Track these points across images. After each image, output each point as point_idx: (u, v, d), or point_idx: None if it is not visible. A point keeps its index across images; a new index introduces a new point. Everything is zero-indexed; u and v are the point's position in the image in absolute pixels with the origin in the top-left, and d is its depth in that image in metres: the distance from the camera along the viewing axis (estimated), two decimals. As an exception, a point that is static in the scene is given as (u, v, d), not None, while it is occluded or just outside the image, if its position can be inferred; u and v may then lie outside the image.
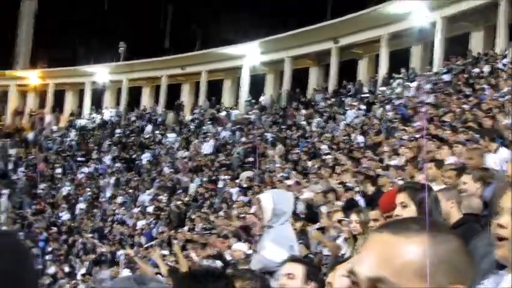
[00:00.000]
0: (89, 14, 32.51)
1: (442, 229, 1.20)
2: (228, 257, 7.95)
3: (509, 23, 21.77)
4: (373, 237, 1.20)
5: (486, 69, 18.97)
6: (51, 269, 18.99)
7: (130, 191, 21.91)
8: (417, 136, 13.00)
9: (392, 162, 11.22)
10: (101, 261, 17.35)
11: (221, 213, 15.97)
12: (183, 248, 12.19)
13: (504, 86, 14.83)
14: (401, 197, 3.19)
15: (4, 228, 21.63)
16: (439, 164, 6.98)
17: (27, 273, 1.38)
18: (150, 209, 19.53)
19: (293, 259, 3.99)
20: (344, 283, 1.67)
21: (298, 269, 3.91)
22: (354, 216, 5.08)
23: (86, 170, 25.82)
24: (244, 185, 18.07)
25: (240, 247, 6.97)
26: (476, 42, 22.86)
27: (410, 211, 3.10)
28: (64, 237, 21.02)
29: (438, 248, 1.11)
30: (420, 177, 7.95)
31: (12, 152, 29.49)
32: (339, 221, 6.43)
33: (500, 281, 2.13)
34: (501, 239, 2.02)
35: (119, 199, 21.86)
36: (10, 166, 28.03)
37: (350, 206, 7.87)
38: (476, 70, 19.14)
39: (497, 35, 21.45)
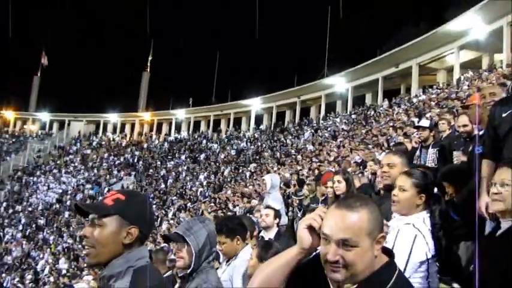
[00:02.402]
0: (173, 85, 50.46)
1: (370, 201, 1.73)
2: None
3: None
4: (335, 211, 1.66)
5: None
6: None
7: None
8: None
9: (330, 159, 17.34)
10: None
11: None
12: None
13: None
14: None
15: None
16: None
17: None
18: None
19: (267, 207, 6.06)
20: (305, 233, 1.71)
21: (271, 212, 5.99)
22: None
23: (172, 162, 39.56)
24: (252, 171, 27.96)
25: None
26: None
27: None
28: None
29: (372, 215, 1.64)
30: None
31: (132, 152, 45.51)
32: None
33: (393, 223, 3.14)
34: (394, 201, 3.03)
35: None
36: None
37: (302, 182, 11.39)
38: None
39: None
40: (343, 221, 1.63)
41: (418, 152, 7.13)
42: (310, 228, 1.76)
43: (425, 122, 7.63)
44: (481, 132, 5.23)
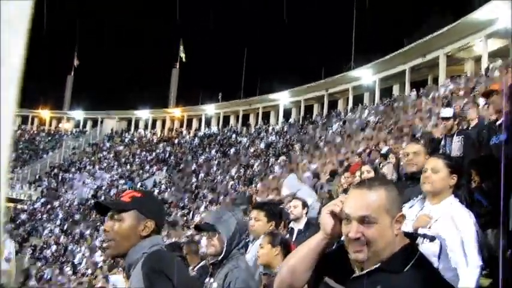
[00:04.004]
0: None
1: (389, 182, 1.86)
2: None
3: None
4: (355, 191, 1.73)
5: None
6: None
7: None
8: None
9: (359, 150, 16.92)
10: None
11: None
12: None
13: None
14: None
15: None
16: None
17: None
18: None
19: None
20: (328, 218, 1.75)
21: (299, 202, 5.84)
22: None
23: (203, 157, 39.92)
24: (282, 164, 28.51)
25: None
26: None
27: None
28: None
29: (390, 194, 1.69)
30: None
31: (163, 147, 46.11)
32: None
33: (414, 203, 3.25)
34: (425, 182, 3.10)
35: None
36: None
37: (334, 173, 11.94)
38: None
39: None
40: (362, 199, 1.69)
41: (443, 142, 7.21)
42: (333, 214, 1.81)
43: (448, 112, 7.71)
44: (498, 122, 5.50)
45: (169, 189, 35.76)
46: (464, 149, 6.81)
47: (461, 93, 19.93)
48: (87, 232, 31.08)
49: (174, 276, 2.26)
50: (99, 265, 21.51)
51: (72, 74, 57.97)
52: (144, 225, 2.33)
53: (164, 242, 2.50)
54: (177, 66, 54.68)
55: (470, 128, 7.84)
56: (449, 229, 3.04)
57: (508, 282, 2.29)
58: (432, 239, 3.02)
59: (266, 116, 45.45)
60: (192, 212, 27.67)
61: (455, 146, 6.96)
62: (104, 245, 2.42)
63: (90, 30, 59.00)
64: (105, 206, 2.40)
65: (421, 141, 7.05)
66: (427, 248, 2.93)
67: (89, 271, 22.05)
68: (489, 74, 22.08)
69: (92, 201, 37.18)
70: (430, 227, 3.08)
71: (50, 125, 56.93)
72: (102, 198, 36.83)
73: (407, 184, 4.09)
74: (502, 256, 2.49)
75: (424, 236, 3.02)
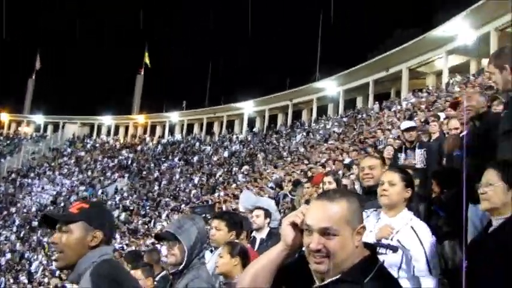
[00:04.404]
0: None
1: (350, 194, 1.82)
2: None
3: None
4: (317, 203, 1.73)
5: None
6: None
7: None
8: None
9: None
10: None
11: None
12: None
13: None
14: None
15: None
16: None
17: None
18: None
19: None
20: (288, 230, 1.75)
21: (261, 212, 5.74)
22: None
23: (165, 165, 39.79)
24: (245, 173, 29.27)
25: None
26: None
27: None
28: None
29: (351, 206, 1.70)
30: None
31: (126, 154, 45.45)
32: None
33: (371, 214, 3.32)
34: (383, 195, 3.24)
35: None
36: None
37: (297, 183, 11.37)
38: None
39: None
40: (324, 210, 1.69)
41: (403, 154, 7.22)
42: (293, 225, 1.79)
43: (409, 123, 7.78)
44: (461, 134, 5.61)
45: (130, 197, 35.41)
46: (427, 161, 6.89)
47: (423, 106, 20.32)
48: (45, 240, 30.33)
49: (122, 281, 2.27)
50: (57, 273, 21.04)
51: (34, 77, 57.06)
52: (93, 236, 2.34)
53: (113, 253, 2.47)
54: (142, 73, 54.32)
55: (431, 141, 7.93)
56: (412, 240, 3.12)
57: None
58: (395, 249, 3.09)
59: (230, 125, 45.70)
60: (153, 220, 27.45)
61: (419, 158, 7.03)
62: (53, 257, 2.38)
63: (54, 33, 57.55)
64: (53, 219, 2.39)
65: (376, 156, 7.03)
66: (389, 258, 3.01)
67: (46, 280, 21.51)
68: (449, 89, 22.63)
69: (51, 207, 36.55)
70: (391, 238, 3.14)
71: (9, 128, 55.71)
72: (62, 204, 36.18)
73: (369, 198, 4.06)
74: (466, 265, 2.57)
75: (388, 246, 3.10)
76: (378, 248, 2.94)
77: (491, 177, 2.64)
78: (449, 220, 4.40)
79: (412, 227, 3.17)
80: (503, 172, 2.62)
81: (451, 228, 4.31)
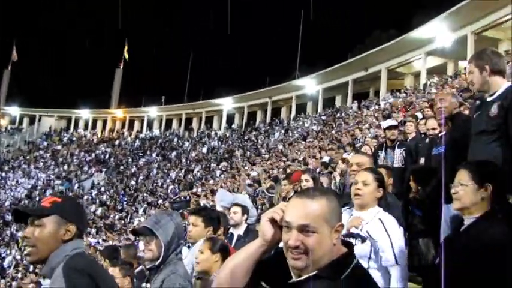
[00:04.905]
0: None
1: (329, 192, 1.81)
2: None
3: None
4: (296, 200, 1.74)
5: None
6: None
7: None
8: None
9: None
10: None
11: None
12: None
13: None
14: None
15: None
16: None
17: None
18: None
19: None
20: (267, 226, 1.76)
21: (238, 209, 5.74)
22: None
23: (143, 160, 39.60)
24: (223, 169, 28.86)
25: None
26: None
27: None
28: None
29: (330, 204, 1.72)
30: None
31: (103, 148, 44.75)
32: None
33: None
34: (357, 194, 3.35)
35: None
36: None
37: (276, 180, 11.44)
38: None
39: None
40: (303, 208, 1.70)
41: (383, 153, 7.27)
42: (272, 221, 1.81)
43: (393, 121, 7.84)
44: (440, 134, 5.70)
45: (107, 192, 35.19)
46: (405, 161, 6.99)
47: (401, 106, 20.53)
48: (19, 234, 29.82)
49: (97, 275, 2.25)
50: (31, 269, 20.74)
51: (10, 68, 55.84)
52: (66, 230, 2.33)
53: (85, 246, 2.46)
54: (121, 67, 53.85)
55: (408, 141, 8.02)
56: (380, 231, 3.22)
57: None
58: (364, 240, 3.18)
59: (209, 121, 45.60)
60: (130, 215, 27.28)
61: (398, 158, 7.12)
62: (25, 252, 2.36)
63: (31, 24, 56.58)
64: (24, 213, 2.36)
65: (364, 153, 7.08)
66: (358, 249, 3.05)
67: (19, 275, 21.19)
68: (427, 90, 22.90)
69: (26, 201, 36.03)
70: (361, 229, 3.24)
71: (-17, 120, 54.65)
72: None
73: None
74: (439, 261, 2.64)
75: (357, 236, 3.19)
76: (347, 237, 3.08)
77: (462, 177, 2.70)
78: (425, 219, 4.55)
79: (380, 219, 3.27)
80: (474, 173, 2.68)
81: (426, 227, 4.47)
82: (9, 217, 33.85)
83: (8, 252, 26.97)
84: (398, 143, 7.32)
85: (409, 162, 6.89)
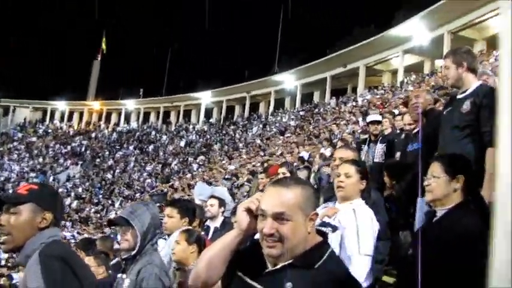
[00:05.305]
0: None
1: (304, 181, 1.88)
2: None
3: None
4: (272, 189, 1.77)
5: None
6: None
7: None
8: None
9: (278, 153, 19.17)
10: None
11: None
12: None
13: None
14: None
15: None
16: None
17: None
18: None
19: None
20: (243, 215, 1.79)
21: (215, 201, 5.91)
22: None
23: (120, 153, 39.55)
24: (200, 163, 30.16)
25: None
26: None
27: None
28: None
29: (305, 192, 1.74)
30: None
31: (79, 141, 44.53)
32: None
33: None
34: (339, 187, 3.37)
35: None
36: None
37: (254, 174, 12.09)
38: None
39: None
40: (278, 196, 1.72)
41: (366, 147, 7.29)
42: (248, 211, 1.83)
43: (376, 117, 7.81)
44: (414, 131, 5.79)
45: (83, 185, 34.94)
46: (385, 156, 7.03)
47: (378, 103, 20.75)
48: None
49: (73, 262, 2.23)
50: (2, 263, 20.44)
51: (-16, 58, 54.70)
52: (42, 217, 2.29)
53: (60, 234, 2.42)
54: (99, 58, 53.10)
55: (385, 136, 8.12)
56: (350, 219, 3.20)
57: (408, 278, 2.46)
58: (334, 228, 3.14)
59: (187, 115, 45.27)
60: (106, 209, 27.10)
61: (378, 153, 7.15)
62: (0, 239, 2.30)
63: (5, 13, 55.35)
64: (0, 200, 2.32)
65: (349, 147, 7.11)
66: (331, 238, 3.03)
67: (-9, 267, 20.83)
68: (404, 87, 23.19)
69: (-1, 193, 35.45)
70: (334, 218, 3.24)
71: (-44, 110, 53.23)
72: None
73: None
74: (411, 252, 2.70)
75: (328, 225, 3.16)
76: (319, 227, 2.98)
77: (435, 169, 2.74)
78: (399, 215, 4.66)
79: (353, 209, 3.26)
80: (447, 165, 2.73)
81: (404, 221, 4.54)
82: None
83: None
84: (380, 138, 7.34)
85: (389, 157, 6.91)
